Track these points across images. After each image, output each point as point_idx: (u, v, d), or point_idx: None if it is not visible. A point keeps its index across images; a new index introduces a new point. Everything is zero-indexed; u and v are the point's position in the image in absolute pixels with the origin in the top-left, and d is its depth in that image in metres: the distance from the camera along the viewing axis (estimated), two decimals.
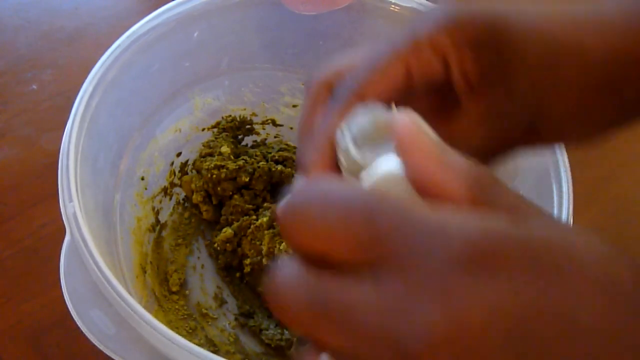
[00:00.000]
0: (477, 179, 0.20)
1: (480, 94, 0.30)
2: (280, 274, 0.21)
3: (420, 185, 0.21)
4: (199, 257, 0.56)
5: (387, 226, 0.18)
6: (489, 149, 0.31)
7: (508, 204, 0.20)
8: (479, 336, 0.17)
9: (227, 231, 0.54)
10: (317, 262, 0.20)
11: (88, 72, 0.46)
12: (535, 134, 0.31)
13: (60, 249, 0.41)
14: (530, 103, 0.30)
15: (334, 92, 0.30)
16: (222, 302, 0.54)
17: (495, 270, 0.17)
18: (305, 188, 0.21)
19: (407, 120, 0.21)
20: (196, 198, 0.56)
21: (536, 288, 0.17)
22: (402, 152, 0.21)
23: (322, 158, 0.28)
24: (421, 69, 0.29)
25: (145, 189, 0.54)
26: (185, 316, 0.52)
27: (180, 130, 0.57)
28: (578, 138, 0.32)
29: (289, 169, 0.57)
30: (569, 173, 0.45)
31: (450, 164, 0.20)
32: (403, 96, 0.30)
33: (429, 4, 0.52)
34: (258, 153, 0.59)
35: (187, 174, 0.58)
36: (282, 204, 0.21)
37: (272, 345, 0.51)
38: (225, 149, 0.56)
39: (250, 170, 0.56)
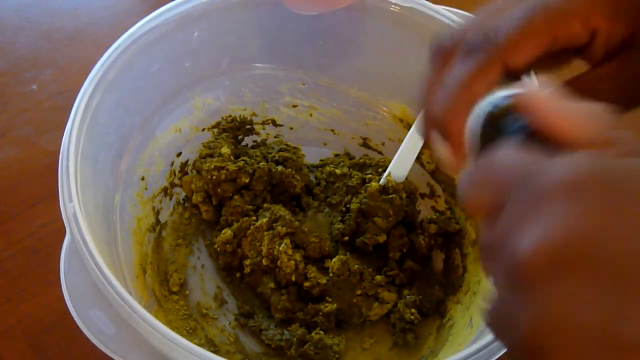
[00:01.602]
0: (598, 124, 0.23)
1: (619, 60, 0.30)
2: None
3: (547, 136, 0.24)
4: (199, 257, 0.56)
5: (506, 173, 0.23)
6: (614, 106, 0.32)
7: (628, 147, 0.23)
8: (566, 255, 0.20)
9: (227, 232, 0.54)
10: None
11: (88, 72, 0.46)
12: None
13: (60, 249, 0.41)
14: None
15: (472, 45, 0.30)
16: (222, 302, 0.54)
17: (579, 197, 0.20)
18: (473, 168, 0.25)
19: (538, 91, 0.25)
20: (196, 198, 0.56)
21: (616, 212, 0.20)
22: (527, 110, 0.25)
23: (456, 111, 0.30)
24: (567, 39, 0.29)
25: (145, 189, 0.54)
26: (185, 316, 0.52)
27: (180, 131, 0.57)
28: None
29: (289, 170, 0.57)
30: None
31: (571, 111, 0.24)
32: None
33: (429, 4, 0.52)
34: (258, 153, 0.59)
35: (187, 174, 0.58)
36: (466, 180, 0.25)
37: (272, 345, 0.51)
38: (225, 149, 0.56)
39: (250, 171, 0.56)
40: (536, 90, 0.25)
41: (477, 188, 0.24)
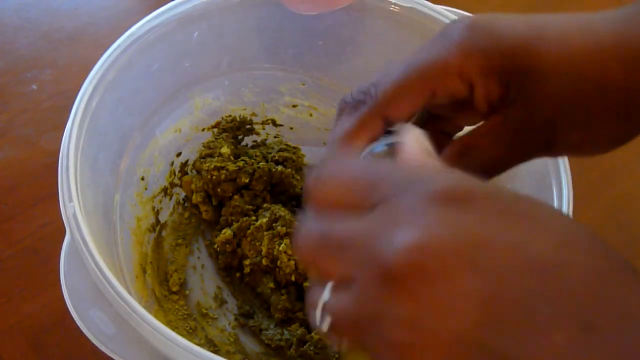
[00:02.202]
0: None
1: (500, 114, 0.31)
2: (302, 224, 0.25)
3: None
4: (199, 257, 0.56)
5: (383, 176, 0.23)
6: (504, 161, 0.33)
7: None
8: (444, 256, 0.20)
9: (227, 232, 0.54)
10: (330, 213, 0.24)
11: (88, 72, 0.46)
12: (549, 151, 0.32)
13: (60, 249, 0.41)
14: (550, 127, 0.31)
15: (355, 101, 0.32)
16: (222, 302, 0.54)
17: (465, 206, 0.21)
18: (328, 161, 0.26)
19: (411, 141, 0.27)
20: (196, 198, 0.56)
21: (500, 224, 0.21)
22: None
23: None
24: (446, 91, 0.31)
25: (145, 189, 0.54)
26: (185, 316, 0.52)
27: (180, 131, 0.57)
28: (591, 154, 0.33)
29: (289, 170, 0.57)
30: (569, 173, 0.45)
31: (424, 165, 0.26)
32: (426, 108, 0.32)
33: (429, 4, 0.52)
34: (258, 153, 0.59)
35: (187, 174, 0.58)
36: (314, 173, 0.25)
37: (272, 345, 0.51)
38: (225, 149, 0.56)
39: (250, 171, 0.56)
40: (410, 142, 0.27)
41: (339, 183, 0.24)
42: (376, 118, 0.31)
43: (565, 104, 0.30)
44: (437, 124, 0.35)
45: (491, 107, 0.31)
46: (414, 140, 0.27)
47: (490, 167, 0.32)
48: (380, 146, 0.31)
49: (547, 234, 0.21)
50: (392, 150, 0.30)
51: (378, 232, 0.21)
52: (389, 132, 0.32)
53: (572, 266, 0.20)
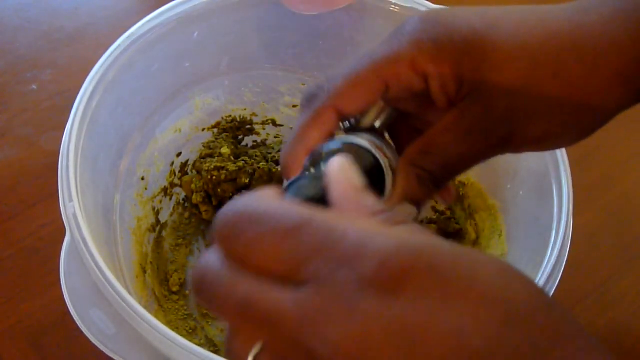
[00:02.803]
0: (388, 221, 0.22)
1: (458, 109, 0.31)
2: (205, 264, 0.22)
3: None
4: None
5: (311, 247, 0.20)
6: (466, 157, 0.32)
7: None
8: (378, 352, 0.19)
9: None
10: (239, 263, 0.22)
11: (88, 72, 0.46)
12: (510, 146, 0.32)
13: (60, 249, 0.41)
14: (508, 120, 0.30)
15: (310, 95, 0.32)
16: None
17: (400, 291, 0.19)
18: (246, 200, 0.22)
19: (336, 168, 0.25)
20: (196, 198, 0.56)
21: (435, 309, 0.19)
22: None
23: (296, 162, 0.34)
24: (400, 83, 0.30)
25: (145, 189, 0.54)
26: (185, 316, 0.52)
27: (180, 131, 0.57)
28: (554, 147, 0.33)
29: None
30: (569, 173, 0.45)
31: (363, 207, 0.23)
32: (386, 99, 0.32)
33: (429, 4, 0.52)
34: (258, 154, 0.59)
35: (187, 174, 0.58)
36: (223, 209, 0.22)
37: None
38: (225, 150, 0.56)
39: (250, 171, 0.56)
40: (336, 177, 0.25)
41: (267, 241, 0.21)
42: (329, 112, 0.31)
43: (521, 95, 0.29)
44: (408, 122, 0.35)
45: (449, 102, 0.31)
46: (340, 175, 0.25)
47: (452, 165, 0.32)
48: (336, 143, 0.31)
49: (484, 312, 0.19)
50: (345, 149, 0.30)
51: (309, 319, 0.19)
52: (353, 129, 0.32)
53: (507, 349, 0.19)
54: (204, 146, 0.58)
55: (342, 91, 0.31)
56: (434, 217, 0.56)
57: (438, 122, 0.31)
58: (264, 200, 0.22)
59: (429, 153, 0.31)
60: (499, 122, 0.30)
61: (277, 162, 0.58)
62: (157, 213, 0.55)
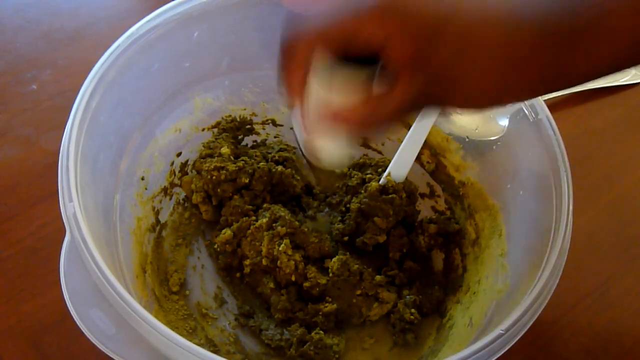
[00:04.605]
0: None
1: (406, 74, 0.34)
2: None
3: None
4: (199, 257, 0.56)
5: None
6: (403, 114, 0.36)
7: None
8: None
9: (227, 232, 0.54)
10: None
11: (88, 72, 0.46)
12: (443, 106, 0.36)
13: (60, 249, 0.41)
14: (450, 86, 0.34)
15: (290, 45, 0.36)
16: (222, 302, 0.54)
17: None
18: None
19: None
20: (196, 198, 0.56)
21: None
22: None
23: (297, 89, 0.38)
24: (359, 45, 0.34)
25: (145, 189, 0.54)
26: (185, 316, 0.52)
27: (180, 130, 0.57)
28: (486, 107, 0.36)
29: (289, 170, 0.57)
30: (569, 173, 0.45)
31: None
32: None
33: None
34: (258, 153, 0.59)
35: (187, 174, 0.58)
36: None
37: (272, 345, 0.51)
38: (225, 149, 0.56)
39: (250, 171, 0.56)
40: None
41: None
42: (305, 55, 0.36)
43: (465, 63, 0.33)
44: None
45: (400, 69, 0.34)
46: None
47: (392, 120, 0.36)
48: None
49: None
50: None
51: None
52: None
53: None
54: (203, 146, 0.58)
55: (312, 42, 0.35)
56: (434, 217, 0.56)
57: (389, 84, 0.35)
58: None
59: (380, 106, 0.36)
60: (442, 88, 0.34)
61: (277, 162, 0.58)
62: (157, 213, 0.55)
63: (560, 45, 0.32)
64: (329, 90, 0.37)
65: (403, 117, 0.37)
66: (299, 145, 0.42)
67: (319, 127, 0.38)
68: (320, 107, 0.37)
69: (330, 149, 0.41)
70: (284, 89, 0.38)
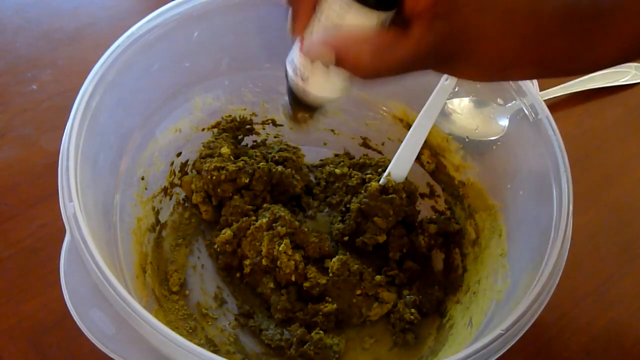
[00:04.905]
0: None
1: (423, 22, 0.32)
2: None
3: None
4: (199, 257, 0.56)
5: None
6: (412, 66, 0.34)
7: None
8: None
9: (227, 232, 0.54)
10: None
11: (88, 72, 0.46)
12: (450, 68, 0.35)
13: (60, 249, 0.41)
14: (464, 41, 0.32)
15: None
16: (222, 302, 0.54)
17: None
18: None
19: None
20: (196, 198, 0.56)
21: None
22: None
23: (303, 8, 0.35)
24: None
25: (145, 189, 0.54)
26: (185, 316, 0.52)
27: (180, 130, 0.57)
28: (495, 77, 0.35)
29: (289, 170, 0.57)
30: (569, 173, 0.45)
31: None
32: None
33: None
34: (258, 153, 0.59)
35: (187, 174, 0.58)
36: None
37: (272, 345, 0.51)
38: (225, 150, 0.56)
39: (250, 171, 0.56)
40: None
41: None
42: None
43: (487, 24, 0.32)
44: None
45: (420, 13, 0.33)
46: None
47: (397, 69, 0.34)
48: None
49: None
50: None
51: None
52: None
53: None
54: (203, 146, 0.58)
55: None
56: (434, 217, 0.56)
57: (406, 29, 0.33)
58: None
59: (393, 48, 0.33)
60: (455, 44, 0.33)
61: (277, 162, 0.58)
62: (157, 213, 0.55)
63: (582, 28, 0.31)
64: (340, 18, 0.34)
65: (409, 70, 0.34)
66: (287, 75, 0.39)
67: (318, 70, 0.36)
68: (328, 30, 0.34)
69: (321, 79, 0.37)
70: (292, 5, 0.35)
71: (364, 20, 0.33)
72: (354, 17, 0.33)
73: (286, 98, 0.40)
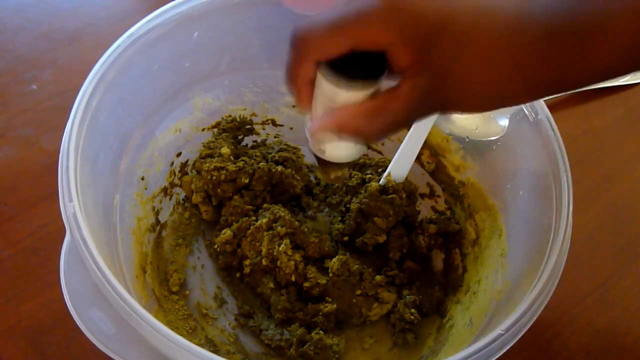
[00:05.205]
0: None
1: (410, 76, 0.34)
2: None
3: None
4: (199, 257, 0.56)
5: None
6: (409, 120, 0.37)
7: None
8: None
9: (227, 232, 0.54)
10: None
11: (88, 72, 0.46)
12: (444, 111, 0.36)
13: (60, 249, 0.41)
14: (450, 84, 0.33)
15: (293, 42, 0.36)
16: (222, 302, 0.54)
17: None
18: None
19: None
20: (196, 198, 0.56)
21: None
22: None
23: (304, 92, 0.38)
24: (364, 47, 0.34)
25: (145, 189, 0.54)
26: (185, 316, 0.52)
27: (180, 130, 0.57)
28: (491, 108, 0.36)
29: (289, 170, 0.57)
30: (569, 173, 0.45)
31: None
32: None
33: None
34: (258, 154, 0.59)
35: (187, 174, 0.58)
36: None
37: (272, 345, 0.51)
38: (225, 150, 0.56)
39: (250, 171, 0.56)
40: None
41: None
42: (308, 59, 0.36)
43: (465, 64, 0.32)
44: None
45: (402, 74, 0.34)
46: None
47: (397, 123, 0.36)
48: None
49: None
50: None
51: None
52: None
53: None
54: (203, 146, 0.58)
55: (320, 43, 0.35)
56: (434, 217, 0.56)
57: (392, 89, 0.35)
58: None
59: (379, 115, 0.36)
60: (446, 92, 0.34)
61: (277, 162, 0.58)
62: (157, 213, 0.55)
63: (565, 48, 0.32)
64: (334, 97, 0.36)
65: (409, 122, 0.36)
66: (308, 139, 0.42)
67: (324, 130, 0.38)
68: (327, 106, 0.37)
69: (337, 145, 0.41)
70: (292, 88, 0.38)
71: (355, 95, 0.36)
72: (345, 96, 0.36)
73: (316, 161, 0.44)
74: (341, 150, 0.41)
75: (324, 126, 0.37)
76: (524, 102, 0.45)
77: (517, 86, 0.33)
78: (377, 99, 0.36)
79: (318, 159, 0.43)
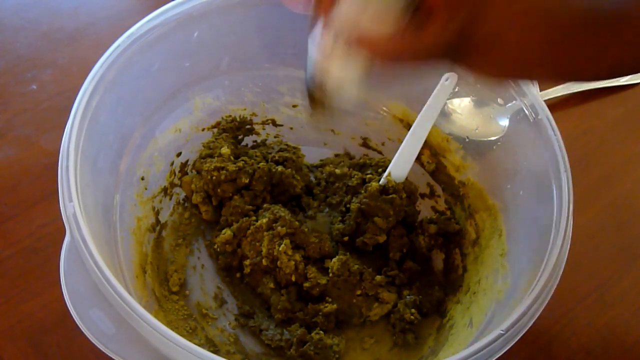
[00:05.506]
0: None
1: (443, 15, 0.32)
2: None
3: None
4: (199, 257, 0.56)
5: None
6: (432, 54, 0.35)
7: None
8: None
9: (227, 232, 0.54)
10: None
11: (88, 72, 0.46)
12: (461, 60, 0.35)
13: (60, 249, 0.41)
14: (482, 37, 0.32)
15: None
16: (222, 302, 0.54)
17: None
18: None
19: None
20: (196, 198, 0.56)
21: None
22: None
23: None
24: None
25: (145, 189, 0.54)
26: (185, 316, 0.52)
27: (180, 130, 0.57)
28: (510, 77, 0.36)
29: (289, 170, 0.57)
30: (569, 173, 0.45)
31: None
32: None
33: None
34: (258, 154, 0.59)
35: (187, 174, 0.58)
36: None
37: (272, 346, 0.51)
38: (225, 150, 0.56)
39: (250, 171, 0.56)
40: None
41: None
42: None
43: (507, 24, 0.32)
44: None
45: (440, 6, 0.33)
46: None
47: (417, 61, 0.34)
48: None
49: None
50: None
51: None
52: None
53: None
54: (203, 146, 0.58)
55: None
56: (434, 217, 0.56)
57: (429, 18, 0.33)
58: None
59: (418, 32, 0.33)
60: (477, 38, 0.32)
61: (277, 162, 0.58)
62: (157, 213, 0.55)
63: (602, 30, 0.31)
64: (362, 11, 0.34)
65: (428, 63, 0.34)
66: (306, 72, 0.40)
67: (339, 50, 0.36)
68: (348, 27, 0.35)
69: (342, 79, 0.38)
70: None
71: (386, 10, 0.34)
72: (375, 7, 0.34)
73: (307, 77, 0.41)
74: (344, 67, 0.38)
75: (347, 40, 0.35)
76: (547, 78, 0.43)
77: (548, 55, 0.32)
78: (411, 18, 0.34)
79: (311, 96, 0.41)
